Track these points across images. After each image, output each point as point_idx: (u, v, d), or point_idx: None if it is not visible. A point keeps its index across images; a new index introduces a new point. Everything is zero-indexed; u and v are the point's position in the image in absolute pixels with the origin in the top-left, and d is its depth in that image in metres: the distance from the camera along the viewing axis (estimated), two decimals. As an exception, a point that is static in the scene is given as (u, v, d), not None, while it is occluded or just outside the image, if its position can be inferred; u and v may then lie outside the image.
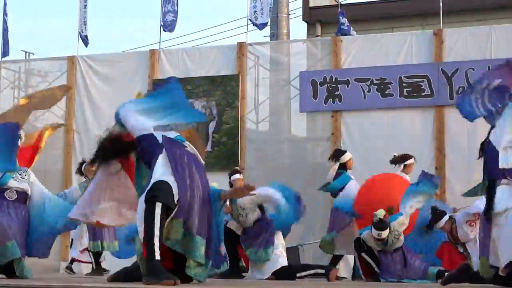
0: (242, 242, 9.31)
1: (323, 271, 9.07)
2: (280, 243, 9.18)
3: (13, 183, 7.81)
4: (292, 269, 9.09)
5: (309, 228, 12.18)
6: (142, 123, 5.83)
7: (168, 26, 13.70)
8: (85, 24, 14.00)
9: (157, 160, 5.53)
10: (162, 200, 5.25)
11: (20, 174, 7.94)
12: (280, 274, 8.86)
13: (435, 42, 12.22)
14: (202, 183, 5.73)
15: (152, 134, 5.74)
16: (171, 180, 5.40)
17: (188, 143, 5.96)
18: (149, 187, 5.36)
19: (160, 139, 5.69)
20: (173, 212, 5.33)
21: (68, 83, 13.65)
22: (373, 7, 19.47)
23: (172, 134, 5.89)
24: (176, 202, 5.36)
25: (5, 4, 14.50)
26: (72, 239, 11.52)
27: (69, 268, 11.48)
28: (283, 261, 9.04)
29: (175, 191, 5.37)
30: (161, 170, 5.47)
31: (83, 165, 10.70)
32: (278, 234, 9.20)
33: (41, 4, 52.61)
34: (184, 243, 5.38)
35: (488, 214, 5.92)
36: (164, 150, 5.59)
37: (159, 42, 13.89)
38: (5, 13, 14.41)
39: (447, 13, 13.11)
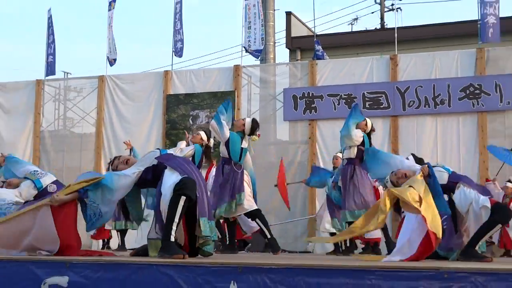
0: None
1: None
2: None
3: None
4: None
5: (292, 212, 12.23)
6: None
7: (178, 52, 13.75)
8: (110, 49, 14.04)
9: (165, 173, 5.52)
10: (187, 193, 5.26)
11: None
12: None
13: (391, 65, 12.29)
14: (199, 173, 5.81)
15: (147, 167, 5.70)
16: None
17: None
18: (177, 182, 5.30)
19: (155, 162, 5.65)
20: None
21: (98, 98, 13.67)
22: (342, 37, 19.60)
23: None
24: (198, 194, 5.39)
25: (49, 34, 14.50)
26: None
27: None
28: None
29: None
30: (173, 176, 5.44)
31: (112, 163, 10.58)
32: None
33: (76, 32, 52.47)
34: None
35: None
36: (165, 165, 5.57)
37: (171, 65, 13.92)
38: (52, 41, 14.41)
39: (400, 42, 13.18)
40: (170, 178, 5.42)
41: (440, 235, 5.61)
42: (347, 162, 8.52)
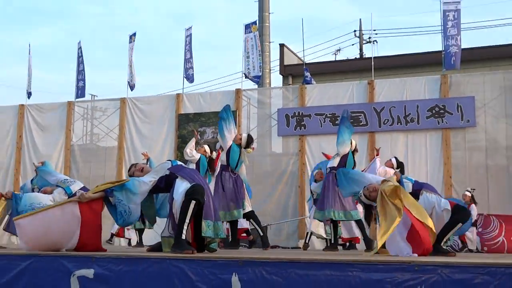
0: None
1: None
2: None
3: None
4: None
5: (283, 214, 12.22)
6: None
7: (189, 78, 13.76)
8: (131, 75, 14.07)
9: (176, 181, 5.52)
10: (197, 198, 5.27)
11: None
12: None
13: (368, 89, 12.30)
14: (204, 181, 5.80)
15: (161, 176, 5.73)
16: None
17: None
18: (187, 188, 5.32)
19: (167, 172, 5.68)
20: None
21: (120, 117, 13.68)
22: (327, 65, 19.66)
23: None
24: (205, 199, 5.39)
25: (79, 63, 14.54)
26: None
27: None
28: None
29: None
30: (183, 184, 5.44)
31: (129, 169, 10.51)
32: None
33: (101, 61, 52.60)
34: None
35: None
36: (177, 175, 5.58)
37: (182, 88, 13.93)
38: (82, 69, 14.44)
39: (376, 70, 13.20)
40: (181, 186, 5.43)
41: (431, 224, 5.60)
42: (329, 171, 8.33)
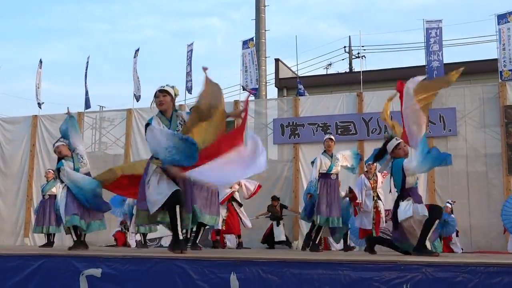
0: None
1: None
2: None
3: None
4: None
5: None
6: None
7: (189, 89, 13.78)
8: (136, 88, 14.08)
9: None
10: (180, 204, 5.11)
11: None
12: None
13: (357, 100, 12.35)
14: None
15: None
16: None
17: None
18: (171, 193, 5.00)
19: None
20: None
21: (126, 126, 13.67)
22: (319, 78, 19.71)
23: None
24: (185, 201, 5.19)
25: (86, 77, 14.55)
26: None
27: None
28: None
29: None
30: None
31: None
32: None
33: (109, 74, 52.67)
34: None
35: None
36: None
37: (185, 100, 13.97)
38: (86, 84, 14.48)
39: (365, 83, 13.24)
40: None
41: None
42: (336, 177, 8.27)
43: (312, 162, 8.45)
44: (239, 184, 9.98)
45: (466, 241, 10.79)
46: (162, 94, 5.30)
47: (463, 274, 3.74)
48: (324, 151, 8.33)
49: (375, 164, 8.75)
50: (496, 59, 11.76)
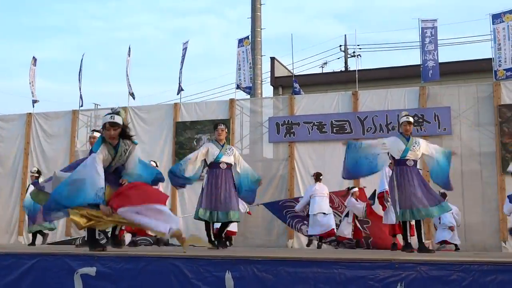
0: None
1: None
2: None
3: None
4: None
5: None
6: None
7: (182, 89, 13.77)
8: (131, 85, 14.06)
9: None
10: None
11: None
12: None
13: (353, 99, 12.35)
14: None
15: None
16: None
17: None
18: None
19: None
20: None
21: (122, 124, 13.62)
22: (314, 77, 19.70)
23: None
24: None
25: (81, 75, 14.50)
26: None
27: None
28: None
29: None
30: None
31: None
32: None
33: (105, 72, 52.53)
34: None
35: None
36: None
37: (180, 98, 13.91)
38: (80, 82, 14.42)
39: (360, 82, 13.25)
40: None
41: None
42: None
43: None
44: None
45: (461, 239, 10.81)
46: (113, 128, 5.28)
47: (457, 273, 3.75)
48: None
49: None
50: (490, 59, 11.78)
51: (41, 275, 4.66)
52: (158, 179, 6.10)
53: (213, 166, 7.06)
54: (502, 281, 3.65)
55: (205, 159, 7.13)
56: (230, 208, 6.96)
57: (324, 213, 10.25)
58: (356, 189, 10.49)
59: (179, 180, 7.11)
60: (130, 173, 5.42)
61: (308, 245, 10.64)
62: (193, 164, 6.98)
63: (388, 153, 6.72)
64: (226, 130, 7.33)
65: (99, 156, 5.13)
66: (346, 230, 10.48)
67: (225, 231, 7.66)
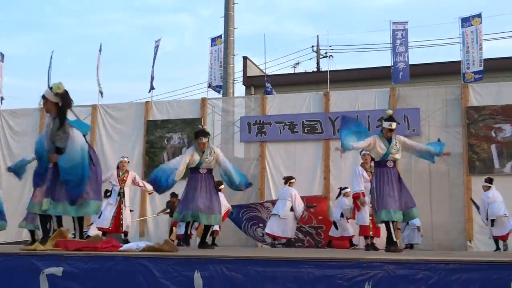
0: None
1: None
2: None
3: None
4: None
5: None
6: None
7: (153, 87, 13.67)
8: (100, 84, 13.88)
9: None
10: None
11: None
12: None
13: (324, 100, 12.41)
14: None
15: None
16: None
17: None
18: None
19: None
20: None
21: (91, 122, 13.45)
22: (286, 77, 19.75)
23: None
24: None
25: (50, 72, 14.27)
26: None
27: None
28: None
29: None
30: None
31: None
32: None
33: (74, 70, 51.77)
34: None
35: None
36: None
37: (151, 96, 13.83)
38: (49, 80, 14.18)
39: (332, 82, 13.32)
40: None
41: None
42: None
43: None
44: None
45: (427, 238, 10.99)
46: (43, 102, 5.52)
47: (424, 271, 3.81)
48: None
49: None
50: (459, 61, 12.00)
51: (5, 276, 4.57)
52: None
53: (193, 171, 7.45)
54: (467, 279, 3.72)
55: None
56: (211, 212, 7.28)
57: (279, 216, 10.52)
58: (348, 189, 10.51)
59: (166, 189, 7.44)
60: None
61: (272, 245, 10.68)
62: (181, 174, 7.34)
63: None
64: (208, 140, 7.60)
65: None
66: (350, 229, 10.48)
67: (208, 235, 7.92)
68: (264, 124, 12.57)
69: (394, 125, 6.75)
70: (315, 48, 24.26)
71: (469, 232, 11.02)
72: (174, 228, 11.29)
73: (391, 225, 6.44)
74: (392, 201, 6.44)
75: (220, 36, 13.72)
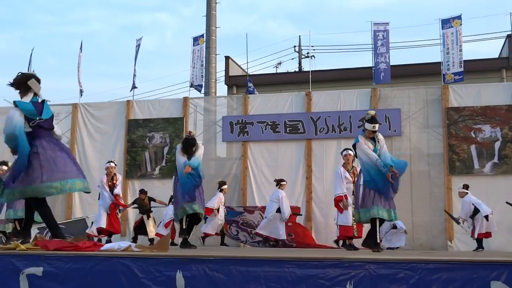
0: None
1: None
2: None
3: None
4: None
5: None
6: None
7: (135, 86, 13.60)
8: (81, 82, 13.76)
9: None
10: None
11: None
12: None
13: (306, 100, 12.45)
14: None
15: None
16: None
17: None
18: None
19: None
20: None
21: (72, 121, 13.33)
22: (268, 76, 19.76)
23: None
24: None
25: (29, 68, 14.06)
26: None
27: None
28: None
29: None
30: None
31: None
32: None
33: (54, 68, 51.21)
34: None
35: None
36: None
37: (133, 96, 13.76)
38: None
39: (314, 82, 13.39)
40: None
41: None
42: None
43: None
44: None
45: (409, 238, 11.09)
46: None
47: (404, 271, 3.84)
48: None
49: (352, 153, 8.21)
50: (439, 63, 12.13)
51: (-16, 276, 4.50)
52: None
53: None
54: (447, 279, 3.77)
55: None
56: (196, 202, 7.90)
57: (266, 217, 10.96)
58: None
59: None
60: None
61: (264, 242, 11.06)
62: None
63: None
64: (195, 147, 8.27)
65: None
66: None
67: (193, 230, 8.23)
68: (246, 124, 12.57)
69: (377, 126, 6.70)
70: (297, 48, 24.32)
71: (449, 231, 11.15)
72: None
73: (377, 222, 6.40)
74: (383, 199, 6.48)
75: (202, 36, 13.69)
